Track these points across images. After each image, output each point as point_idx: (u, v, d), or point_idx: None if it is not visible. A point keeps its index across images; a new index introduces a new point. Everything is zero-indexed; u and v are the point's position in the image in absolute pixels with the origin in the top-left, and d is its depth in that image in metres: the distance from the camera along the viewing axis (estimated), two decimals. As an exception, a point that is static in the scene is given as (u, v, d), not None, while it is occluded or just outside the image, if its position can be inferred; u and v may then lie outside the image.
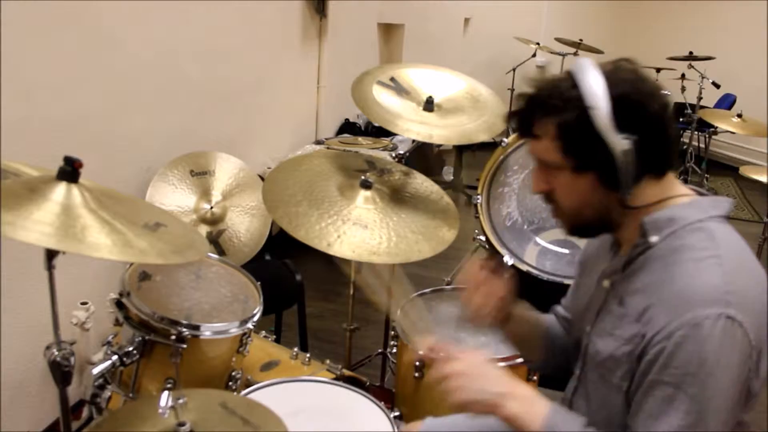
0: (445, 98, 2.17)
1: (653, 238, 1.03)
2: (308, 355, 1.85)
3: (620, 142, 0.98)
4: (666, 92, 1.05)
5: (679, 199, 1.05)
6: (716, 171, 5.96)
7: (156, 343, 1.52)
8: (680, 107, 5.16)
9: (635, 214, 1.05)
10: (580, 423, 1.06)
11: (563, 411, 1.10)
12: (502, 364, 1.69)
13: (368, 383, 1.84)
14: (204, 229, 2.31)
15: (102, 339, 1.92)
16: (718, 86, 5.23)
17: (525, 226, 2.16)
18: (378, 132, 4.37)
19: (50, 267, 1.14)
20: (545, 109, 1.03)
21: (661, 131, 1.02)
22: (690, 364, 0.93)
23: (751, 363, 0.95)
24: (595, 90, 0.98)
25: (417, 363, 1.74)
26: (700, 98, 5.13)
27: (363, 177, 1.89)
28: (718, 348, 0.92)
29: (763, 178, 3.22)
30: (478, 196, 2.22)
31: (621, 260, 1.10)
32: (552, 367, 1.37)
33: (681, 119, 5.17)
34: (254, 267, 1.95)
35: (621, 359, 1.03)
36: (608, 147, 0.98)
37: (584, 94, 0.99)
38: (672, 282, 0.99)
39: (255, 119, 3.33)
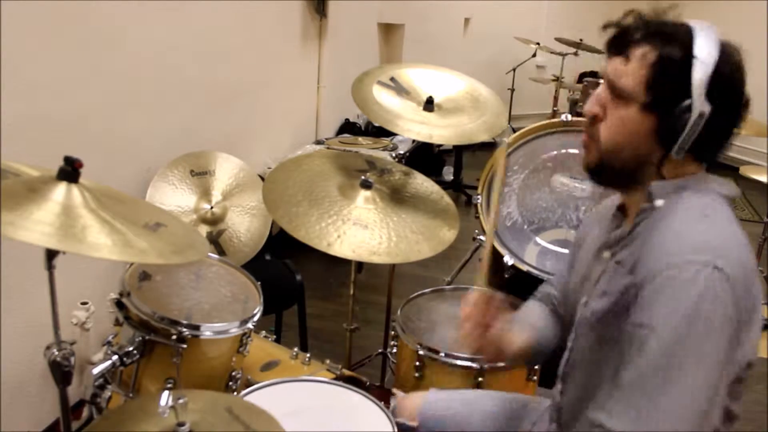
0: (445, 98, 2.17)
1: (658, 202, 1.03)
2: (308, 355, 1.85)
3: (703, 104, 0.98)
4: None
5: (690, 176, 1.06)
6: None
7: (156, 343, 1.52)
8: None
9: (654, 180, 1.05)
10: None
11: None
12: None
13: (368, 383, 1.84)
14: (204, 229, 2.31)
15: (102, 339, 1.92)
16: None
17: (525, 226, 2.16)
18: (378, 132, 4.37)
19: (50, 267, 1.14)
20: (656, 34, 1.01)
21: (734, 121, 1.02)
22: (668, 307, 0.92)
23: (733, 322, 0.93)
24: (710, 48, 0.98)
25: (417, 363, 1.74)
26: (700, 98, 5.12)
27: (363, 177, 1.89)
28: (700, 294, 0.91)
29: (763, 178, 3.22)
30: (478, 196, 2.22)
31: (626, 228, 1.09)
32: (539, 357, 1.37)
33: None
34: (254, 267, 1.95)
35: (618, 313, 1.02)
36: (690, 102, 0.97)
37: (698, 45, 0.98)
38: (665, 231, 0.99)
39: (255, 119, 3.33)
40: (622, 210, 1.15)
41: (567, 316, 1.28)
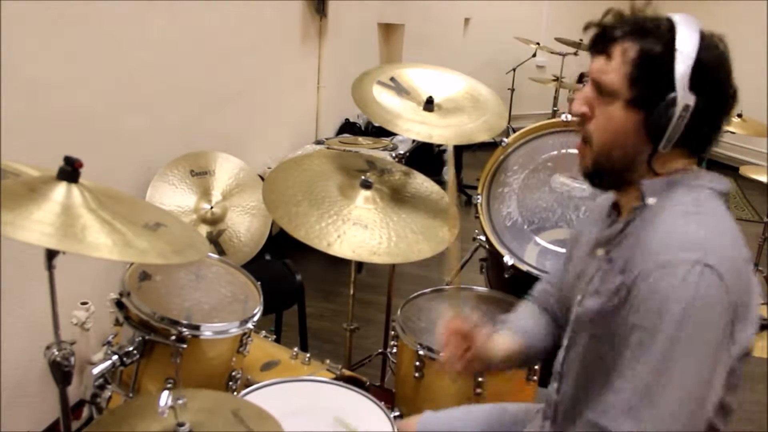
0: (445, 98, 2.17)
1: (650, 200, 1.04)
2: (308, 355, 1.85)
3: (687, 96, 0.98)
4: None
5: (684, 172, 1.05)
6: (716, 171, 5.91)
7: (156, 343, 1.52)
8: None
9: (647, 178, 1.05)
10: None
11: None
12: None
13: (368, 383, 1.84)
14: (204, 229, 2.30)
15: (102, 339, 1.92)
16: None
17: (525, 226, 2.16)
18: (378, 132, 4.37)
19: (50, 267, 1.14)
20: (636, 30, 1.01)
21: (722, 111, 1.02)
22: (663, 307, 0.93)
23: (727, 319, 0.93)
24: (690, 39, 0.98)
25: (417, 363, 1.74)
26: (700, 98, 5.12)
27: (363, 177, 1.89)
28: (692, 293, 0.91)
29: (763, 178, 3.22)
30: (478, 196, 2.22)
31: (618, 226, 1.09)
32: (531, 359, 1.38)
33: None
34: (254, 267, 1.95)
35: (610, 312, 1.02)
36: (674, 95, 0.98)
37: (679, 38, 0.98)
38: (654, 230, 0.99)
39: (255, 119, 3.33)
40: (616, 208, 1.15)
41: (562, 314, 1.28)
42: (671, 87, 0.98)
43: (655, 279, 0.94)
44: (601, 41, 1.04)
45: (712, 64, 0.99)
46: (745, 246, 1.00)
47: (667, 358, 0.92)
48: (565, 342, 1.20)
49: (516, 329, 1.33)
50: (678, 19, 1.00)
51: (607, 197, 1.22)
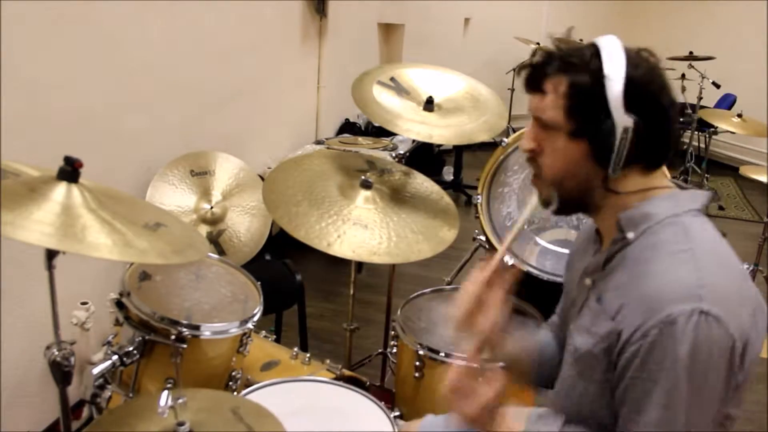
0: (445, 98, 2.17)
1: (630, 234, 1.04)
2: (308, 355, 1.85)
3: (624, 119, 0.99)
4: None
5: (658, 191, 1.06)
6: (716, 171, 5.96)
7: (156, 343, 1.52)
8: (680, 107, 5.16)
9: (615, 201, 1.06)
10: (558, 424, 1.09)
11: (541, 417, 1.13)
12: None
13: (368, 383, 1.84)
14: (204, 229, 2.31)
15: (102, 339, 1.92)
16: (718, 86, 5.23)
17: (525, 226, 2.15)
18: (378, 132, 4.37)
19: (50, 267, 1.14)
20: (563, 65, 1.03)
21: (664, 124, 1.02)
22: (666, 361, 0.94)
23: (732, 356, 0.94)
24: (616, 63, 0.99)
25: (417, 363, 1.74)
26: (700, 98, 5.13)
27: (363, 177, 1.89)
28: (693, 343, 0.92)
29: (763, 178, 3.22)
30: (478, 196, 2.22)
31: (601, 257, 1.10)
32: (541, 380, 1.36)
33: (681, 119, 5.18)
34: (254, 267, 1.95)
35: (599, 356, 1.04)
36: (611, 120, 0.99)
37: (604, 63, 0.99)
38: (645, 279, 0.99)
39: (255, 119, 3.33)
40: (599, 233, 1.16)
41: (562, 339, 1.28)
42: (607, 113, 0.99)
43: (654, 336, 0.94)
44: (534, 80, 1.07)
45: (643, 81, 1.00)
46: (740, 270, 1.00)
47: (675, 408, 0.94)
48: (561, 369, 1.21)
49: (536, 342, 1.34)
50: (602, 44, 1.02)
51: (591, 222, 1.22)
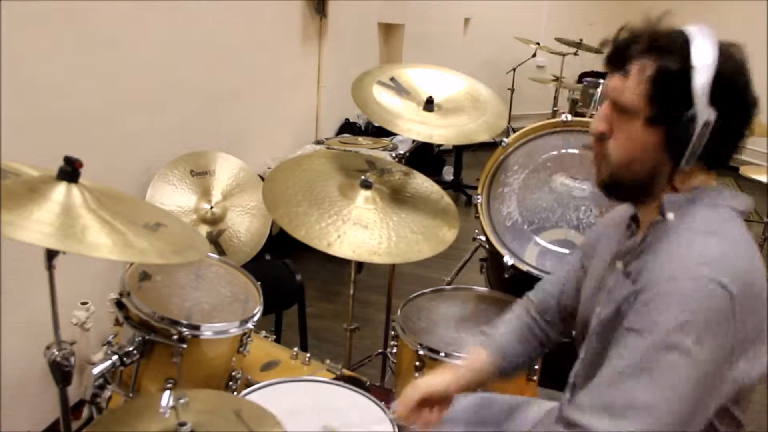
0: (445, 98, 2.17)
1: (670, 215, 1.02)
2: (308, 355, 1.85)
3: (707, 112, 0.96)
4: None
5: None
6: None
7: (156, 343, 1.52)
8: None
9: (667, 193, 1.04)
10: None
11: None
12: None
13: (368, 383, 1.84)
14: (204, 229, 2.31)
15: (102, 339, 1.92)
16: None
17: (525, 226, 2.15)
18: (378, 132, 4.37)
19: (50, 267, 1.14)
20: (651, 48, 1.00)
21: (743, 123, 1.00)
22: (663, 314, 0.91)
23: (729, 340, 0.91)
24: (707, 53, 0.96)
25: (417, 363, 1.74)
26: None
27: (363, 177, 1.89)
28: (698, 308, 0.89)
29: (763, 178, 3.22)
30: (478, 196, 2.22)
31: (636, 240, 1.09)
32: (516, 371, 1.38)
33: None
34: (254, 267, 1.95)
35: (618, 321, 1.01)
36: (694, 111, 0.96)
37: (695, 52, 0.97)
38: (670, 244, 0.98)
39: (255, 119, 3.33)
40: (635, 221, 1.14)
41: (577, 325, 1.27)
42: (690, 103, 0.96)
43: (663, 287, 0.92)
44: (617, 59, 1.03)
45: (731, 76, 0.97)
46: (763, 274, 0.98)
47: (655, 358, 0.91)
48: (581, 354, 1.19)
49: (493, 348, 1.32)
50: (694, 32, 0.99)
51: (624, 209, 1.21)
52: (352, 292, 2.21)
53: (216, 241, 2.32)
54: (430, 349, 1.72)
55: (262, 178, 2.38)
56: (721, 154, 1.02)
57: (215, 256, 1.89)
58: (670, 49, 0.98)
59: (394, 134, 2.72)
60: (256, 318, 1.65)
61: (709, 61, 0.96)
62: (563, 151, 2.20)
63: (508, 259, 2.05)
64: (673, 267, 0.94)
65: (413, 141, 2.28)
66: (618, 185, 1.08)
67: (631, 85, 1.01)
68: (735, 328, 0.91)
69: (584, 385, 1.11)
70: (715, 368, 0.92)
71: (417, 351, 1.73)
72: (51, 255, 1.12)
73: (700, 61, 0.96)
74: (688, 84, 0.96)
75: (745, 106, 1.00)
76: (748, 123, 1.01)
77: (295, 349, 1.89)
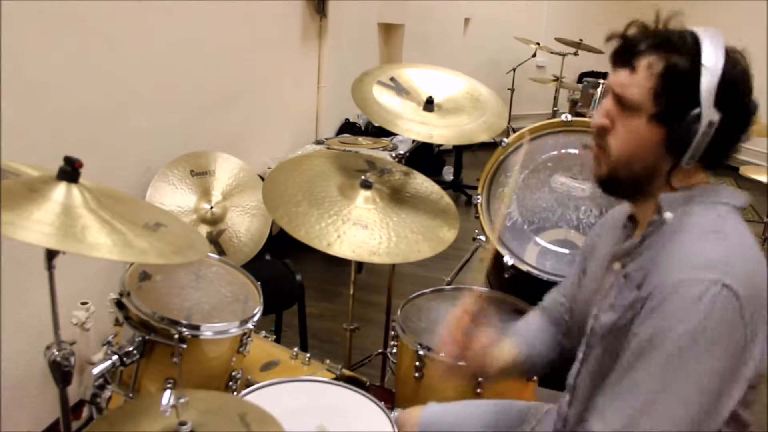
0: (445, 98, 2.17)
1: (667, 215, 1.02)
2: (308, 355, 1.85)
3: (712, 113, 0.97)
4: None
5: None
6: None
7: (156, 343, 1.52)
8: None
9: (665, 191, 1.04)
10: None
11: None
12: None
13: (368, 383, 1.84)
14: (204, 229, 2.31)
15: (102, 339, 1.92)
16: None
17: (525, 226, 2.16)
18: (378, 132, 4.37)
19: (50, 267, 1.14)
20: (662, 44, 1.00)
21: (742, 126, 1.01)
22: (673, 321, 0.91)
23: (740, 340, 0.92)
24: (716, 55, 0.97)
25: (417, 363, 1.74)
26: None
27: (363, 177, 1.89)
28: (706, 313, 0.90)
29: (763, 178, 3.22)
30: (478, 196, 2.22)
31: (635, 240, 1.08)
32: (541, 368, 1.38)
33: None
34: (254, 267, 1.95)
35: (623, 327, 1.01)
36: (699, 111, 0.97)
37: (704, 52, 0.97)
38: (673, 248, 0.98)
39: (255, 119, 3.33)
40: (632, 220, 1.14)
41: (575, 326, 1.27)
42: (696, 103, 0.97)
43: (670, 293, 0.93)
44: (626, 54, 1.03)
45: (737, 80, 0.98)
46: (765, 265, 0.98)
47: (670, 366, 0.91)
48: (579, 356, 1.19)
49: (520, 340, 1.33)
50: (702, 34, 0.99)
51: (621, 208, 1.21)
52: (352, 292, 2.21)
53: (216, 241, 2.32)
54: (430, 349, 1.72)
55: (262, 178, 2.38)
56: (719, 155, 1.03)
57: (215, 256, 1.89)
58: (680, 47, 0.99)
59: (394, 134, 2.71)
60: (256, 318, 1.65)
61: (718, 62, 0.97)
62: (563, 151, 2.20)
63: (508, 259, 2.05)
64: (678, 271, 0.94)
65: (413, 141, 2.28)
66: (616, 181, 1.08)
67: (638, 81, 1.01)
68: (744, 329, 0.92)
69: (589, 390, 1.11)
70: (729, 371, 0.93)
71: (417, 351, 1.73)
72: (51, 255, 1.12)
73: (709, 62, 0.97)
74: (696, 84, 0.97)
75: (746, 111, 1.00)
76: (747, 128, 1.02)
77: (295, 349, 1.89)
